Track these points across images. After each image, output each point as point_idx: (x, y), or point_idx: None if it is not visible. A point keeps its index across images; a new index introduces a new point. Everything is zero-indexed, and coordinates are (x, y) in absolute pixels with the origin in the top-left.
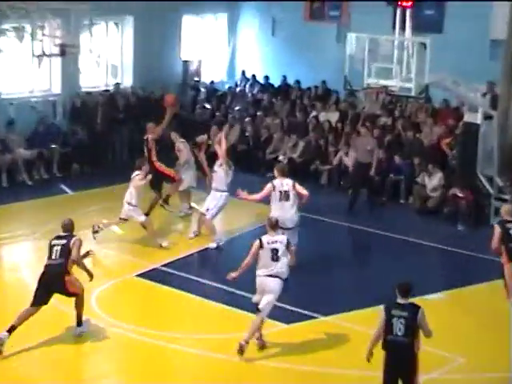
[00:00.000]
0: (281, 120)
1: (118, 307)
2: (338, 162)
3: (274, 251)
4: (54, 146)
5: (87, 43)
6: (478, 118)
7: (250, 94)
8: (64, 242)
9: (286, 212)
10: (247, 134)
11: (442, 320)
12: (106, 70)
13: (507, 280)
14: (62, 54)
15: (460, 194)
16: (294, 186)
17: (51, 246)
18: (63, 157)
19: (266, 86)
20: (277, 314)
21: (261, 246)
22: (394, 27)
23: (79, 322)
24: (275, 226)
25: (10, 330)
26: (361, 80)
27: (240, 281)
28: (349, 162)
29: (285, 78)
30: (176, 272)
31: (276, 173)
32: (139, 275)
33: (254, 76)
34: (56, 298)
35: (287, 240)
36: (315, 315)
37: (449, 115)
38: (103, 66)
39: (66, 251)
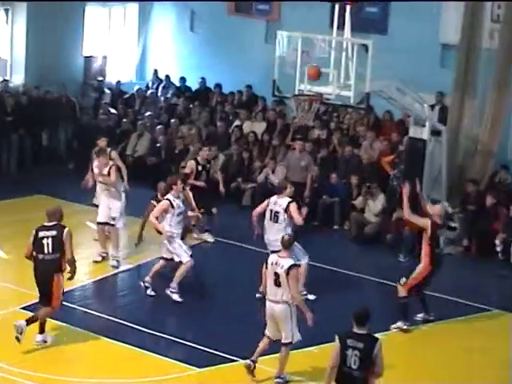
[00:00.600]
0: (198, 129)
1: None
2: (264, 179)
3: (276, 275)
4: None
5: None
6: (424, 133)
7: (162, 98)
8: (54, 233)
9: (272, 234)
10: (159, 144)
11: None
12: None
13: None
14: None
15: (401, 224)
16: (287, 208)
17: (40, 239)
18: None
19: (182, 90)
20: (188, 355)
21: (266, 266)
22: (331, 26)
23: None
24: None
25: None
26: (292, 86)
27: (146, 318)
28: (276, 179)
29: (204, 80)
30: (70, 304)
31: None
32: (26, 307)
33: (167, 77)
34: None
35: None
36: (234, 358)
37: (392, 129)
38: None
39: (59, 244)
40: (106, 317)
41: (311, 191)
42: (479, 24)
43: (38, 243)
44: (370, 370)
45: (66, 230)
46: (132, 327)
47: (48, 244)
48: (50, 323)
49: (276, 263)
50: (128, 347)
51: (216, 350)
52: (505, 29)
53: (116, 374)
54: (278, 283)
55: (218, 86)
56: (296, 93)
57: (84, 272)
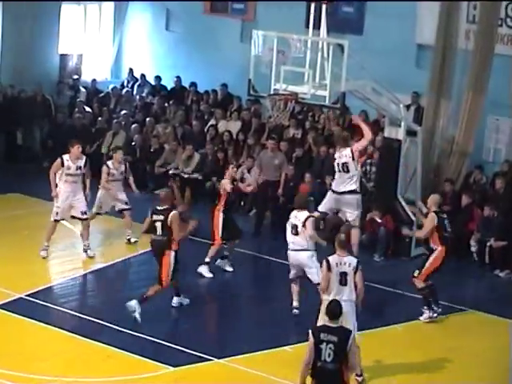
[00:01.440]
0: (173, 128)
1: None
2: (239, 178)
3: (343, 274)
4: None
5: None
6: (399, 134)
7: (138, 97)
8: (162, 217)
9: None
10: (134, 143)
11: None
12: None
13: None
14: None
15: (379, 220)
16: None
17: (153, 222)
18: None
19: (158, 88)
20: (163, 355)
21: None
22: (307, 25)
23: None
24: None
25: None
26: (267, 85)
27: (120, 317)
28: (251, 178)
29: (179, 79)
30: (44, 303)
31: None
32: (1, 306)
33: (143, 76)
34: None
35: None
36: (207, 357)
37: None
38: None
39: (166, 227)
40: (81, 315)
41: (285, 190)
42: (455, 25)
43: (151, 225)
44: (345, 363)
45: (172, 213)
46: (106, 326)
47: (158, 227)
48: (23, 321)
49: (341, 263)
50: (102, 346)
51: (191, 349)
52: (480, 30)
53: (90, 372)
54: (343, 282)
55: (193, 84)
56: (271, 92)
57: (59, 270)
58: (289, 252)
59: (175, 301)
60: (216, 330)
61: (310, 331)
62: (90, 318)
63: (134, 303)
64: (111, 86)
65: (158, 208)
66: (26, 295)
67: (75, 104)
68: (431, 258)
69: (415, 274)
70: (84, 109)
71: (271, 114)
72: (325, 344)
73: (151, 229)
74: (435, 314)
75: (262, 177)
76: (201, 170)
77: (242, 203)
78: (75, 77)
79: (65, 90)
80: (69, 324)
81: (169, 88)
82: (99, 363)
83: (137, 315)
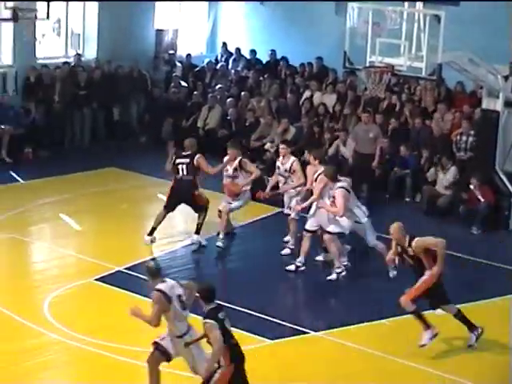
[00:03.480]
0: (268, 102)
1: (74, 316)
2: (335, 151)
3: None
4: (3, 127)
5: (44, 7)
6: (497, 105)
7: (233, 71)
8: (187, 160)
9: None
10: (229, 117)
11: (453, 339)
12: (66, 39)
13: None
14: (15, 19)
15: (476, 192)
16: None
17: (176, 164)
18: (14, 139)
19: (253, 62)
20: (260, 328)
21: None
22: None
23: (198, 231)
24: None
25: (151, 232)
26: (363, 57)
27: (217, 290)
28: (347, 152)
29: (274, 53)
30: (142, 276)
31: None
32: (99, 279)
33: (238, 50)
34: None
35: None
36: (304, 330)
37: (464, 100)
38: (63, 34)
39: (191, 169)
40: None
41: (380, 163)
42: None
43: (175, 168)
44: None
45: (196, 156)
46: None
47: (183, 169)
48: (122, 294)
49: None
50: (200, 318)
51: (288, 322)
52: None
53: None
54: None
55: (284, 58)
56: (367, 64)
57: (156, 244)
58: None
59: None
60: (313, 303)
61: (211, 322)
62: None
63: (196, 237)
64: (206, 61)
65: (183, 153)
66: (125, 268)
67: (171, 79)
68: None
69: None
70: (180, 83)
71: (367, 87)
72: (227, 320)
73: (175, 171)
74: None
75: (358, 149)
76: (296, 143)
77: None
78: (171, 52)
79: (161, 65)
80: None
81: (264, 62)
82: None
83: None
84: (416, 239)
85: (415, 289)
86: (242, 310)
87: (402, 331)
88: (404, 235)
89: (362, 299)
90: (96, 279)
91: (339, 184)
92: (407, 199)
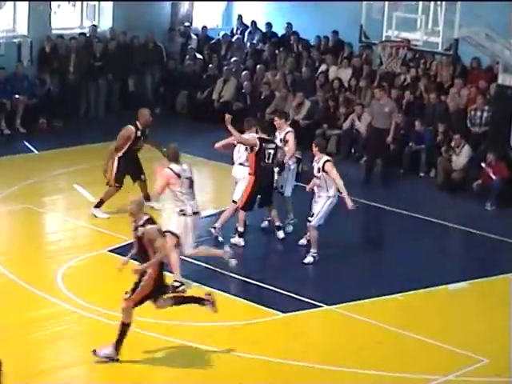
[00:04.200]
0: (283, 75)
1: (87, 287)
2: (349, 126)
3: None
4: (17, 97)
5: None
6: None
7: (248, 44)
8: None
9: None
10: (244, 90)
11: (465, 315)
12: (82, 9)
13: None
14: None
15: (490, 171)
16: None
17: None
18: (28, 109)
19: (268, 35)
20: (273, 301)
21: None
22: None
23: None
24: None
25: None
26: (379, 32)
27: (215, 259)
28: (362, 126)
29: (290, 26)
30: None
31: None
32: (113, 250)
33: (254, 22)
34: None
35: None
36: (317, 303)
37: (480, 76)
38: (78, 4)
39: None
40: (192, 261)
41: (394, 138)
42: None
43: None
44: None
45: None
46: (218, 271)
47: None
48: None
49: None
50: (214, 291)
51: (300, 296)
52: None
53: (202, 317)
54: None
55: (295, 33)
56: (383, 39)
57: None
58: None
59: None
60: (326, 276)
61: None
62: (200, 264)
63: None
64: (222, 33)
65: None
66: None
67: (186, 51)
68: None
69: None
70: (195, 56)
71: (383, 61)
72: None
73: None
74: None
75: (373, 124)
76: (311, 117)
77: (353, 151)
78: (186, 24)
79: (176, 37)
80: (185, 270)
81: (279, 35)
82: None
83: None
84: (149, 226)
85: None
86: (255, 282)
87: (414, 305)
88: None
89: (374, 273)
90: (109, 250)
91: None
92: (421, 174)
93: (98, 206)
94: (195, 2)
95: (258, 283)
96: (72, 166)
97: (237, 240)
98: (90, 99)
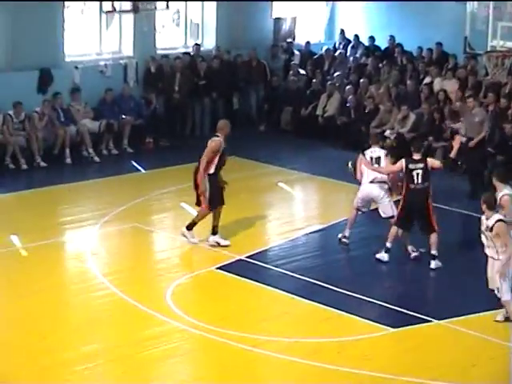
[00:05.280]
0: (388, 88)
1: (196, 304)
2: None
3: None
4: (124, 117)
5: None
6: None
7: (351, 58)
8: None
9: None
10: (348, 104)
11: None
12: (186, 29)
13: None
14: (135, 10)
15: None
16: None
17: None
18: (135, 129)
19: (371, 49)
20: (382, 316)
21: None
22: None
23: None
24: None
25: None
26: (484, 42)
27: (339, 278)
28: (464, 138)
29: (393, 38)
30: (264, 264)
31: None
32: (221, 267)
33: (356, 36)
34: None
35: None
36: (427, 318)
37: None
38: (182, 24)
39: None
40: (299, 276)
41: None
42: None
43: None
44: None
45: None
46: (325, 287)
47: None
48: (245, 283)
49: None
50: (321, 307)
51: (410, 311)
52: None
53: (310, 333)
54: None
55: (399, 45)
56: (488, 49)
57: (276, 232)
58: None
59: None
60: (435, 291)
61: None
62: (307, 279)
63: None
64: (325, 48)
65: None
66: (246, 257)
67: (289, 67)
68: None
69: None
70: (298, 71)
71: (488, 72)
72: None
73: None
74: None
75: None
76: (417, 129)
77: (459, 162)
78: (289, 40)
79: (279, 54)
80: (288, 285)
81: (382, 48)
82: (319, 324)
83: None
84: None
85: None
86: (364, 297)
87: None
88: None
89: (483, 287)
90: (217, 268)
91: None
92: None
93: (190, 228)
94: (298, 19)
95: (365, 297)
96: (179, 184)
97: (381, 255)
98: (196, 118)
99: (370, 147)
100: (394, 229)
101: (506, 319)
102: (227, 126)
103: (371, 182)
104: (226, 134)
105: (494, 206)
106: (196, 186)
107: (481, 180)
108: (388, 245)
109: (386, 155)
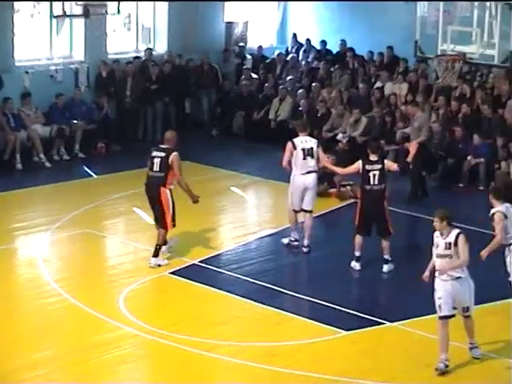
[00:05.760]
0: (339, 92)
1: (149, 310)
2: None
3: None
4: (75, 122)
5: (114, 2)
6: None
7: (303, 62)
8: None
9: None
10: (301, 108)
11: None
12: (137, 33)
13: None
14: (86, 14)
15: None
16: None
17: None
18: (87, 134)
19: (323, 53)
20: (334, 319)
21: None
22: None
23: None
24: None
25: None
26: (434, 46)
27: (292, 282)
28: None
29: (344, 43)
30: (217, 269)
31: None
32: (174, 272)
33: (308, 40)
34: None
35: None
36: (379, 320)
37: None
38: (134, 28)
39: (165, 165)
40: (252, 280)
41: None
42: None
43: (150, 162)
44: None
45: (173, 153)
46: (278, 291)
47: (157, 163)
48: (198, 287)
49: None
50: (274, 310)
51: (362, 313)
52: None
53: (263, 337)
54: None
55: (351, 49)
56: (438, 53)
57: (229, 237)
58: None
59: (153, 262)
60: (387, 293)
61: None
62: (260, 283)
63: (153, 261)
64: (277, 52)
65: (161, 146)
66: (199, 261)
67: (241, 71)
68: None
69: None
70: (250, 76)
71: (439, 75)
72: None
73: (150, 165)
74: None
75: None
76: (368, 133)
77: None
78: (241, 44)
79: (231, 58)
80: (241, 289)
81: (334, 52)
82: (272, 328)
83: (162, 263)
84: None
85: None
86: (317, 301)
87: (480, 321)
88: None
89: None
90: (170, 272)
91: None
92: (481, 188)
93: (157, 254)
94: (249, 23)
95: (318, 301)
96: (131, 189)
97: (353, 264)
98: (148, 122)
99: (296, 136)
100: (357, 238)
101: None
102: (175, 136)
103: (304, 174)
104: (174, 145)
105: (501, 196)
106: (159, 203)
107: (422, 183)
108: (357, 253)
109: (318, 146)
